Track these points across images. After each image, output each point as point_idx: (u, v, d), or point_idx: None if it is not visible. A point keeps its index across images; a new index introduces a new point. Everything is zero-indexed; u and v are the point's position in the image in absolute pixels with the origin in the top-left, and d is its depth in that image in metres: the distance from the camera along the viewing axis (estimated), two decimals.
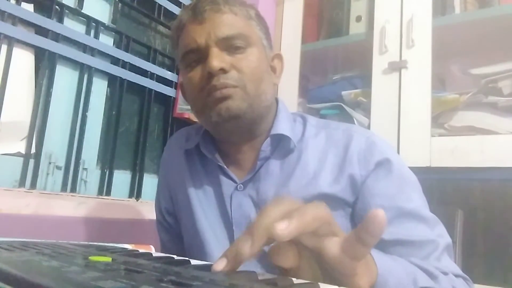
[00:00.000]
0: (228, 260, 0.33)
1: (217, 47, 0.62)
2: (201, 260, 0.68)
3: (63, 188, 1.02)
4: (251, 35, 0.65)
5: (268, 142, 0.66)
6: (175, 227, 0.80)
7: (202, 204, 0.71)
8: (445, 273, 0.54)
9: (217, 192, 0.71)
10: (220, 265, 0.33)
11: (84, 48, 1.07)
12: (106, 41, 1.15)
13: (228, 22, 0.63)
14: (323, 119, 0.73)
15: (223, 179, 0.70)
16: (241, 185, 0.68)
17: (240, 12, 0.65)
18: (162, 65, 1.34)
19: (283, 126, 0.67)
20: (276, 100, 0.73)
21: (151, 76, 1.27)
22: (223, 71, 0.61)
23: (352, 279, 0.35)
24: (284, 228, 0.31)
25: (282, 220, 0.32)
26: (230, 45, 0.62)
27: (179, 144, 0.78)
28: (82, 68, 1.08)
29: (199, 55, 0.63)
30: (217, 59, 0.60)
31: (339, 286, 0.30)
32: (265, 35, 0.69)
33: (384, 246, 0.57)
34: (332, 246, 0.34)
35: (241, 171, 0.70)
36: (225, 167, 0.69)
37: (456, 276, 0.57)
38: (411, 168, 0.66)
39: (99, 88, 1.14)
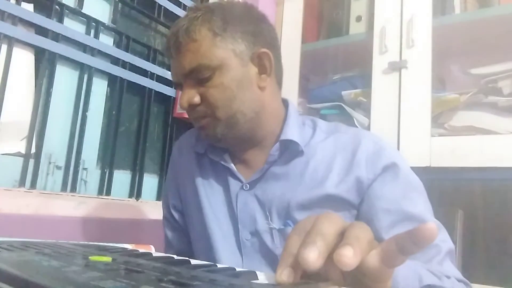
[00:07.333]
0: (293, 270, 0.31)
1: (188, 81, 0.65)
2: (208, 256, 0.71)
3: (63, 188, 1.02)
4: (214, 58, 0.63)
5: (277, 147, 0.68)
6: (181, 224, 0.82)
7: (210, 201, 0.74)
8: (448, 277, 0.55)
9: (225, 190, 0.73)
10: (285, 276, 0.31)
11: (84, 48, 1.07)
12: (106, 41, 1.15)
13: (188, 56, 0.64)
14: (333, 123, 0.74)
15: (230, 178, 0.72)
16: (247, 184, 0.70)
17: (200, 35, 0.63)
18: (162, 64, 1.34)
19: (292, 131, 0.68)
20: (286, 102, 0.75)
21: (151, 76, 1.27)
22: (193, 106, 0.65)
23: (384, 284, 0.34)
24: (350, 257, 0.29)
25: (345, 247, 0.29)
26: (196, 77, 0.64)
27: (189, 143, 0.80)
28: (82, 68, 1.08)
29: (181, 86, 0.68)
30: (185, 97, 0.65)
31: (339, 287, 0.30)
32: (239, 39, 0.65)
33: None
34: (372, 260, 0.32)
35: (250, 170, 0.72)
36: (234, 167, 0.72)
37: (458, 281, 0.57)
38: (411, 168, 0.67)
39: (99, 88, 1.14)
